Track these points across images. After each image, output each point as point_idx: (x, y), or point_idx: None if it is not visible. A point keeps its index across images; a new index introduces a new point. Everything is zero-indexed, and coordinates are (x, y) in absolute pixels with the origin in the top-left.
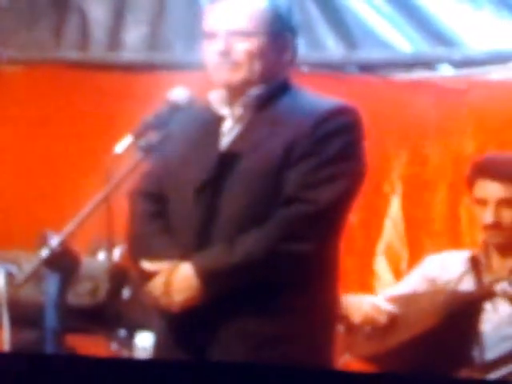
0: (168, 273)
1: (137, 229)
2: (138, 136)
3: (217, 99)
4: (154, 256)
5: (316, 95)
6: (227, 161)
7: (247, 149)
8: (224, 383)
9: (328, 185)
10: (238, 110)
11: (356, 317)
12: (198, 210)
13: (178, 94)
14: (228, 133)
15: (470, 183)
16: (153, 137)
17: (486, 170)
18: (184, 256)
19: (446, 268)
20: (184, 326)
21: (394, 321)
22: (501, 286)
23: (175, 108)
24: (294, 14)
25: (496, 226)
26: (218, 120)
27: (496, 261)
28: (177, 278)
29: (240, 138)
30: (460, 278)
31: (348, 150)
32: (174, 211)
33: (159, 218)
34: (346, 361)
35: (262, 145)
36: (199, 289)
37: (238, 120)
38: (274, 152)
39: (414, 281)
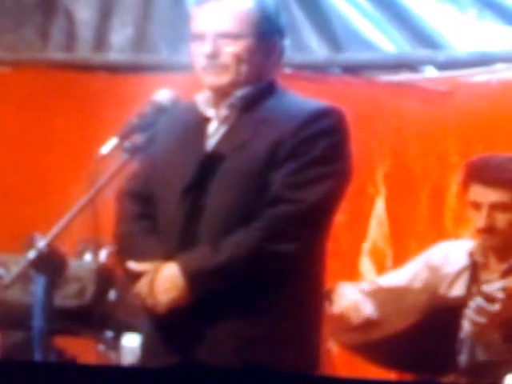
0: (153, 273)
1: (124, 229)
2: (123, 137)
3: (203, 100)
4: (140, 257)
5: (302, 97)
6: (212, 162)
7: (232, 150)
8: None
9: (313, 185)
10: (224, 112)
11: (336, 307)
12: (184, 211)
13: (163, 95)
14: (213, 134)
15: (465, 186)
16: (138, 138)
17: (479, 174)
18: (169, 257)
19: (449, 260)
20: (171, 327)
21: (368, 322)
22: (475, 302)
23: (160, 110)
24: (281, 16)
25: (489, 230)
26: (203, 121)
27: (492, 261)
28: (162, 279)
29: (225, 139)
30: (458, 274)
31: (333, 152)
32: (161, 212)
33: (146, 218)
34: (329, 347)
35: (247, 146)
36: (185, 289)
37: (223, 121)
38: (259, 153)
39: (417, 266)
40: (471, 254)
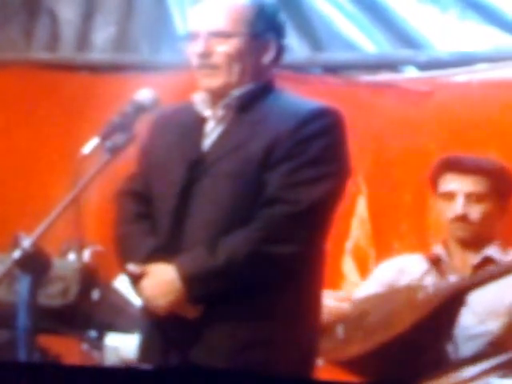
0: (151, 276)
1: (124, 230)
2: (104, 137)
3: (200, 100)
4: (141, 257)
5: (299, 97)
6: (208, 162)
7: (228, 150)
8: None
9: (310, 186)
10: (220, 112)
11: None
12: (179, 211)
13: (144, 95)
14: (210, 134)
15: (435, 177)
16: (119, 138)
17: (455, 164)
18: (165, 257)
19: (404, 271)
20: (168, 329)
21: (360, 311)
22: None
23: (140, 109)
24: (279, 14)
25: (463, 218)
26: (200, 121)
27: (458, 258)
28: (159, 282)
29: (221, 140)
30: (422, 278)
31: (329, 152)
32: (158, 211)
33: (147, 218)
34: (319, 366)
35: (243, 146)
36: (182, 292)
37: (219, 121)
38: (255, 153)
39: (370, 288)
40: (432, 257)
